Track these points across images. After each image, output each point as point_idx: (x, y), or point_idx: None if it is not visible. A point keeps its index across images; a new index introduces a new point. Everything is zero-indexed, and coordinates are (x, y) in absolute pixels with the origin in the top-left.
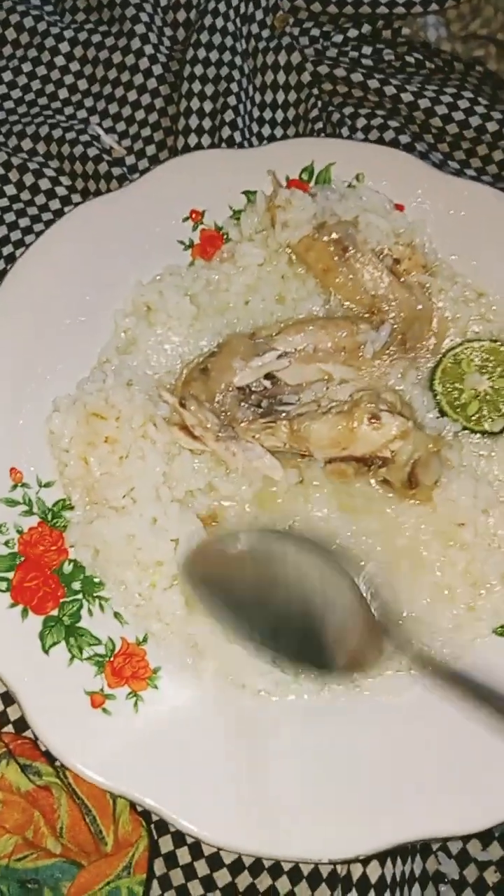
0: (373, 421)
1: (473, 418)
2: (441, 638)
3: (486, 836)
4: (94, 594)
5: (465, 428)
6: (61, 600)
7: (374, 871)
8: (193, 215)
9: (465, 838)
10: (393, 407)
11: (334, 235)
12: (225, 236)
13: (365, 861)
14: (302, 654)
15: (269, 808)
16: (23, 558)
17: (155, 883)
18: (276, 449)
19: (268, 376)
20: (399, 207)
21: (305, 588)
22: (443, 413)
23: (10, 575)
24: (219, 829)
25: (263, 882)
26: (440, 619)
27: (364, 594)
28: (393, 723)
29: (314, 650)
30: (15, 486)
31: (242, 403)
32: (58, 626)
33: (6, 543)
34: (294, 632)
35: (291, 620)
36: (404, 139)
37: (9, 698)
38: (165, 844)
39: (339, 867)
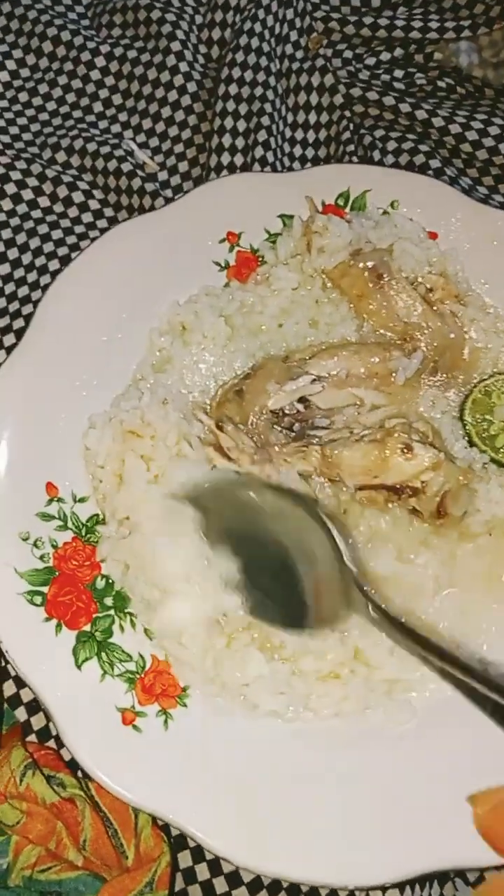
0: (406, 451)
1: (502, 450)
2: None
3: None
4: (125, 610)
5: (493, 460)
6: (94, 615)
7: None
8: (230, 237)
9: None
10: (425, 437)
11: (370, 263)
12: (260, 259)
13: (384, 888)
14: (274, 600)
15: (294, 832)
16: (57, 573)
17: None
18: (306, 473)
19: (300, 399)
20: (432, 236)
21: (283, 532)
22: (471, 444)
23: (45, 589)
24: (243, 850)
25: None
26: None
27: (341, 549)
28: (418, 748)
29: (288, 597)
30: (51, 501)
31: (275, 427)
32: (90, 641)
33: (41, 558)
34: (268, 575)
35: (266, 563)
36: (434, 164)
37: (32, 708)
38: (185, 860)
39: (357, 893)
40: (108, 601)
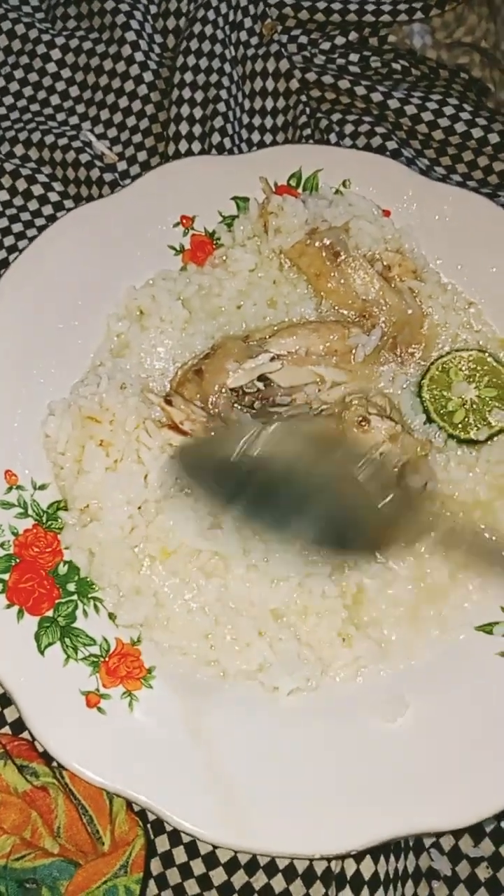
0: (362, 424)
1: (459, 426)
2: None
3: (477, 833)
4: (89, 595)
5: (450, 435)
6: (56, 601)
7: (367, 868)
8: (184, 221)
9: (457, 835)
10: (382, 411)
11: (326, 241)
12: (216, 242)
13: (358, 858)
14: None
15: (261, 805)
16: (18, 560)
17: (152, 882)
18: None
19: (261, 378)
20: (386, 213)
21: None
22: (430, 420)
23: (6, 576)
24: (211, 826)
25: (259, 880)
26: None
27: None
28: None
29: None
30: (10, 489)
31: (236, 405)
32: (53, 626)
33: (1, 545)
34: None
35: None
36: (391, 145)
37: (5, 700)
38: (162, 844)
39: (332, 865)
40: (72, 587)
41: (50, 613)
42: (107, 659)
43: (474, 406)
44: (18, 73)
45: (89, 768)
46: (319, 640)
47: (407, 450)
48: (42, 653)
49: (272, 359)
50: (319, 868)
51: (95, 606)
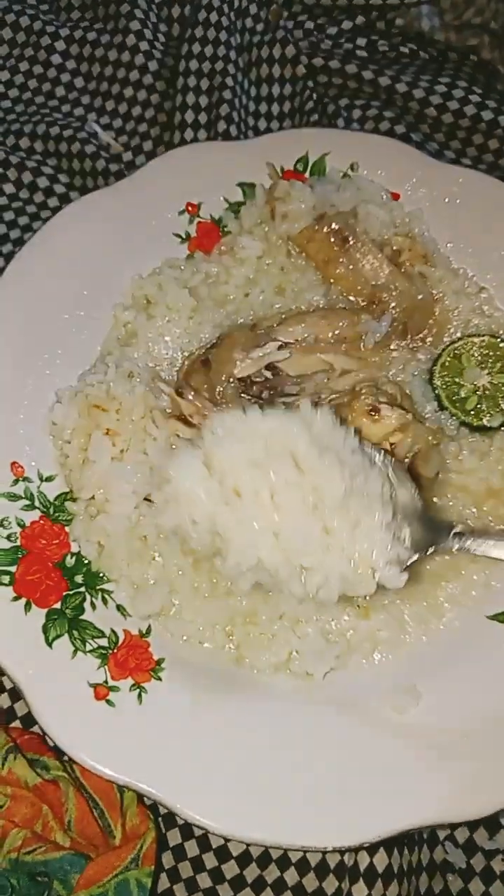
0: (373, 413)
1: (472, 413)
2: None
3: (492, 825)
4: (97, 587)
5: (462, 423)
6: (64, 593)
7: (381, 861)
8: (189, 208)
9: (472, 827)
10: (393, 399)
11: (334, 226)
12: (223, 229)
13: (371, 851)
14: None
15: (272, 797)
16: (25, 552)
17: (164, 876)
18: None
19: (269, 367)
20: (395, 196)
21: None
22: (442, 407)
23: (13, 568)
24: (221, 817)
25: (271, 874)
26: None
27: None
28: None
29: None
30: (16, 481)
31: (244, 395)
32: (61, 619)
33: (8, 538)
34: None
35: None
36: (399, 129)
37: (16, 695)
38: (174, 837)
39: (346, 858)
40: (79, 579)
41: (58, 606)
42: (115, 651)
43: (487, 392)
44: (23, 66)
45: (98, 761)
46: (337, 614)
47: (418, 439)
48: (50, 645)
49: (280, 347)
50: (332, 861)
51: (104, 598)
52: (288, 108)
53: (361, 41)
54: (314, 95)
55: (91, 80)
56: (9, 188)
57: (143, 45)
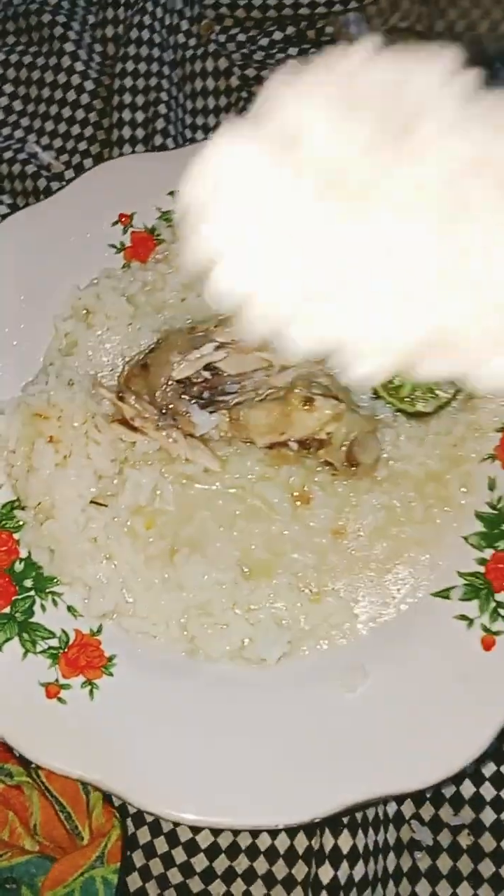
0: (306, 405)
1: (407, 400)
2: None
3: (457, 801)
4: (47, 590)
5: (398, 409)
6: (13, 598)
7: (345, 842)
8: (122, 219)
9: (437, 804)
10: (327, 390)
11: None
12: (157, 237)
13: (335, 832)
14: None
15: (224, 781)
16: None
17: (136, 874)
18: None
19: (208, 368)
20: None
21: None
22: (377, 395)
23: None
24: (174, 803)
25: (241, 864)
26: None
27: None
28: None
29: None
30: None
31: (184, 396)
32: (10, 623)
33: None
34: None
35: None
36: None
37: None
38: (143, 836)
39: (313, 842)
40: (28, 583)
41: (7, 610)
42: (66, 650)
43: None
44: None
45: (51, 757)
46: (290, 600)
47: (353, 427)
48: (0, 649)
49: (217, 347)
50: (301, 847)
51: (54, 600)
52: (224, 119)
53: (293, 51)
54: (248, 106)
55: (29, 103)
56: None
57: (79, 66)
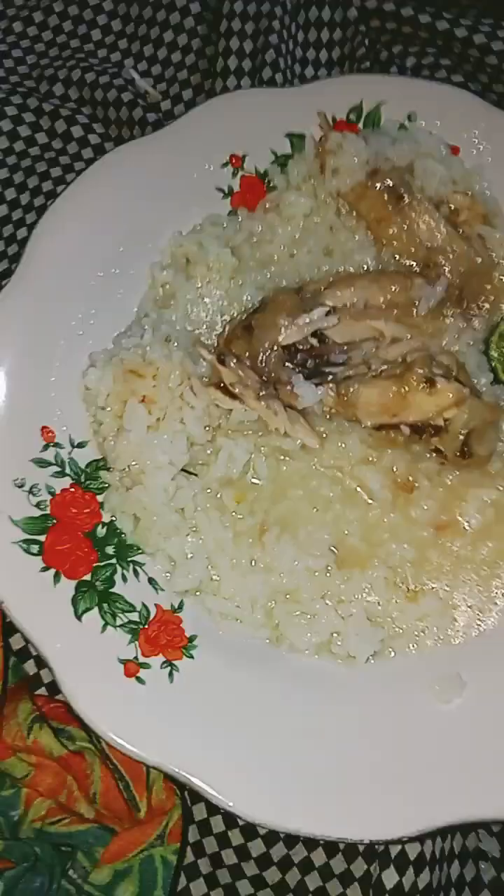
0: (428, 386)
1: None
2: None
3: None
4: (129, 559)
5: None
6: (94, 565)
7: (412, 848)
8: (233, 160)
9: None
10: (448, 371)
11: (389, 182)
12: (268, 184)
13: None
14: None
15: (306, 786)
16: (55, 521)
17: (189, 850)
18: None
19: (315, 334)
20: (454, 150)
21: None
22: (498, 380)
23: (42, 538)
24: (254, 805)
25: (298, 853)
26: None
27: None
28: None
29: None
30: (47, 446)
31: (287, 364)
32: (91, 591)
33: (38, 505)
34: None
35: None
36: (457, 79)
37: (41, 660)
38: (199, 812)
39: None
40: (110, 550)
41: (87, 577)
42: (146, 626)
43: None
44: (58, 7)
45: (126, 740)
46: (384, 596)
47: (475, 415)
48: (79, 618)
49: (328, 313)
50: (362, 845)
51: (135, 571)
52: (338, 54)
53: None
54: (366, 41)
55: (129, 23)
56: (41, 137)
57: None
